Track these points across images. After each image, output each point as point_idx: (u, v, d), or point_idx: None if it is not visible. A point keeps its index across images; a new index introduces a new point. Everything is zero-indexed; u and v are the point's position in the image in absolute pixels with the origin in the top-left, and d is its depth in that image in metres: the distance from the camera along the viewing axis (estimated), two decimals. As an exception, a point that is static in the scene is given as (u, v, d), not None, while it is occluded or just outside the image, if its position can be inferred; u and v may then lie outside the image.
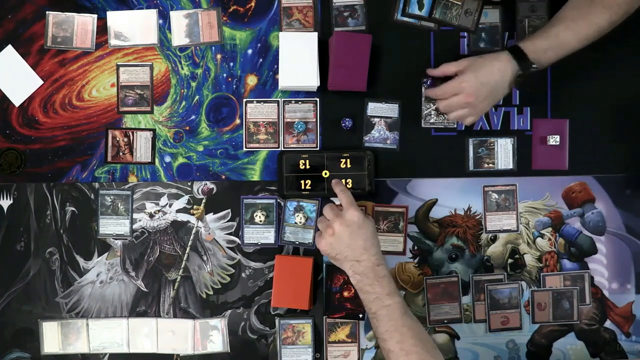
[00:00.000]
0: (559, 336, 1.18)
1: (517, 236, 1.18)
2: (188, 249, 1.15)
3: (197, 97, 1.15)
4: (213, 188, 1.15)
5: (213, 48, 1.15)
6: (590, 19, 1.03)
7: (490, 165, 1.18)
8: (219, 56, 1.15)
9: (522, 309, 1.18)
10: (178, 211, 1.15)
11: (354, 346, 1.15)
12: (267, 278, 1.15)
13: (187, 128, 1.15)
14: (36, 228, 1.14)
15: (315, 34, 1.11)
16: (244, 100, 1.15)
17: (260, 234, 1.15)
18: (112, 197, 1.14)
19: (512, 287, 1.17)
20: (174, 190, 1.15)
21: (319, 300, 1.15)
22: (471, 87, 1.04)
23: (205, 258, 1.15)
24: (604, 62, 1.16)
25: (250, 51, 1.15)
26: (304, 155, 1.14)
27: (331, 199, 1.14)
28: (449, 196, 1.17)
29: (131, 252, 1.15)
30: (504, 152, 1.18)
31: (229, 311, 1.15)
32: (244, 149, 1.15)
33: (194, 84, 1.15)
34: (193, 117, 1.15)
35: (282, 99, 1.15)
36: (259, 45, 1.15)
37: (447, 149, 1.17)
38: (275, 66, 1.14)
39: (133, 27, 1.14)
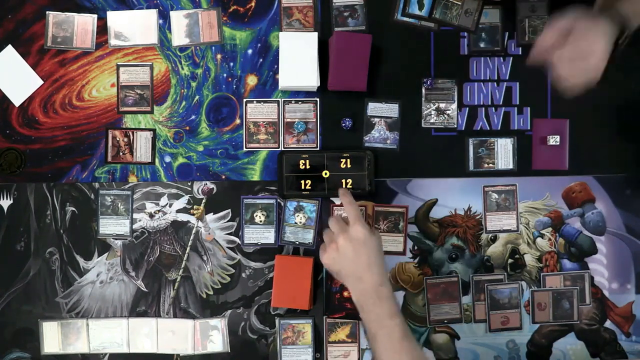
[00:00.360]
0: (559, 336, 1.18)
1: (517, 236, 1.18)
2: (188, 249, 1.15)
3: (197, 97, 1.15)
4: (213, 188, 1.15)
5: (213, 48, 1.15)
6: None
7: (490, 165, 1.18)
8: (219, 56, 1.15)
9: (522, 309, 1.17)
10: (178, 211, 1.15)
11: (354, 346, 1.15)
12: (267, 278, 1.15)
13: (187, 128, 1.15)
14: (36, 228, 1.14)
15: (315, 34, 1.11)
16: (244, 100, 1.15)
17: (260, 234, 1.15)
18: (112, 197, 1.14)
19: (512, 287, 1.17)
20: (174, 190, 1.15)
21: (319, 300, 1.15)
22: (595, 32, 0.90)
23: (205, 258, 1.15)
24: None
25: (250, 51, 1.15)
26: (304, 155, 1.14)
27: (331, 199, 1.15)
28: (449, 196, 1.17)
29: (131, 252, 1.15)
30: (504, 152, 1.17)
31: (229, 311, 1.15)
32: (244, 149, 1.15)
33: (194, 84, 1.15)
34: (193, 117, 1.15)
35: (282, 99, 1.15)
36: (259, 45, 1.15)
37: (447, 149, 1.17)
38: (275, 66, 1.14)
39: (133, 27, 1.14)
